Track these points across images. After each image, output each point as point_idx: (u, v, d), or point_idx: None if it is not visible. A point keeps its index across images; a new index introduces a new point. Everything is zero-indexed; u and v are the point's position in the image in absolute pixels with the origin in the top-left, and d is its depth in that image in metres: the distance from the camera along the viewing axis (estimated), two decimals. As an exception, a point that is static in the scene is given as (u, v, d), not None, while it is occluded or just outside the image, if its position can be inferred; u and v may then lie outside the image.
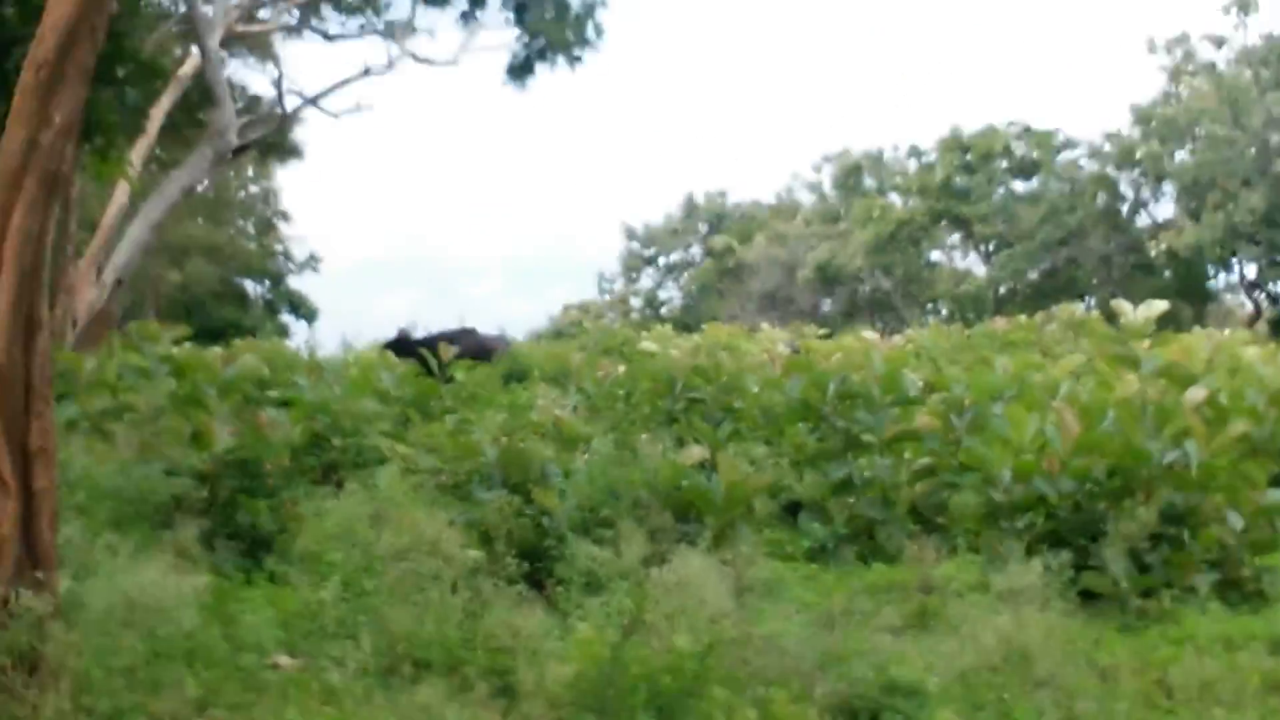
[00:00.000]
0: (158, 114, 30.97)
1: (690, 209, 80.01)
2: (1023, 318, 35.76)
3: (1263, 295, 55.14)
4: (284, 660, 11.87)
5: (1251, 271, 56.70)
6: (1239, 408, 18.58)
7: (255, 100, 37.71)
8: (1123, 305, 23.16)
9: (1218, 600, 14.22)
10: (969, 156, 66.69)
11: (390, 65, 35.02)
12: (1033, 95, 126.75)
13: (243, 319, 50.30)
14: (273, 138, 37.81)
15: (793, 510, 17.94)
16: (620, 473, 16.31)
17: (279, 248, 58.15)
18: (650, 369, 24.24)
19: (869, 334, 31.55)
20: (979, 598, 13.36)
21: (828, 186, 74.53)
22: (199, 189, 32.75)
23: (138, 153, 30.44)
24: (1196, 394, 17.64)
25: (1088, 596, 14.16)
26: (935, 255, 69.07)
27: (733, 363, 24.93)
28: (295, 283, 58.48)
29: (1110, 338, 24.79)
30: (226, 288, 53.32)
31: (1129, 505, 14.92)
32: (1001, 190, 66.55)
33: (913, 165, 70.14)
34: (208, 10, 30.11)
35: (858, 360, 22.58)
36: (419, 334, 28.65)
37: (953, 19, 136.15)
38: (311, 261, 60.14)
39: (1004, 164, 66.84)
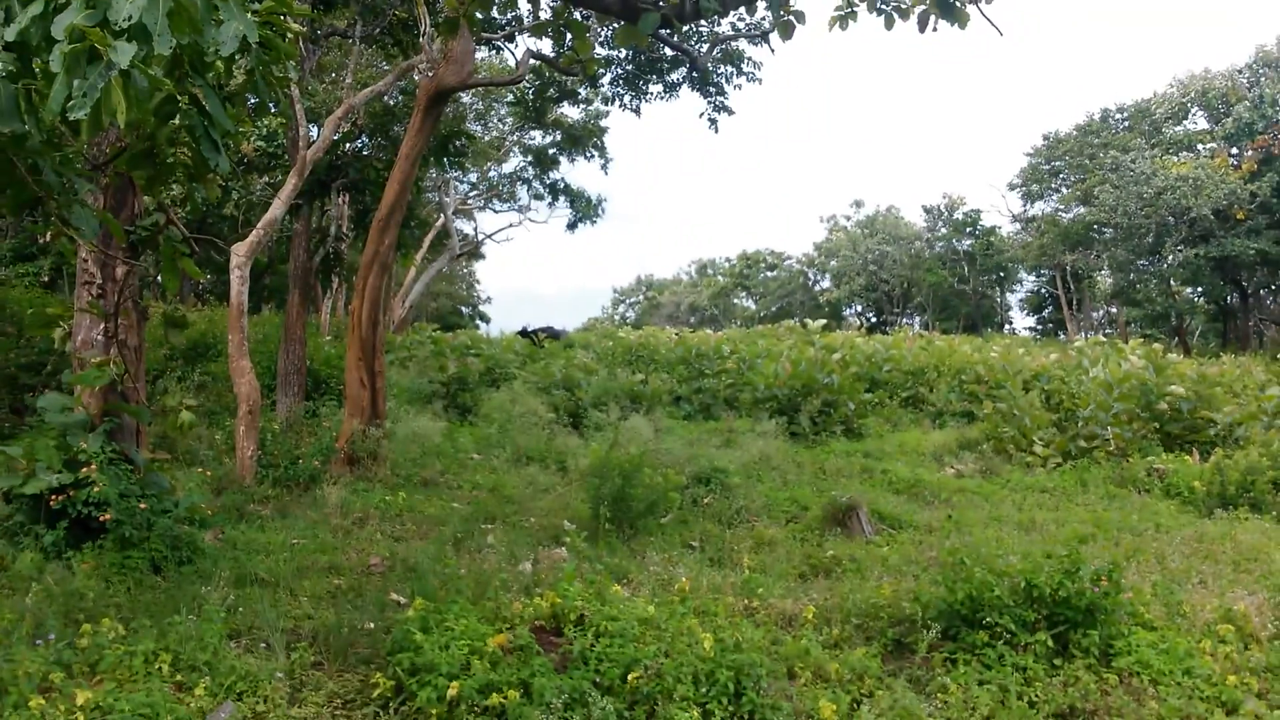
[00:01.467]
0: (426, 240, 37.63)
1: (638, 280, 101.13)
2: (763, 327, 42.78)
3: (864, 317, 68.01)
4: (475, 456, 15.65)
5: (859, 308, 72.38)
6: (854, 360, 22.74)
7: (465, 235, 44.74)
8: (808, 322, 28.34)
9: (844, 437, 18.36)
10: (749, 262, 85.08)
11: (520, 222, 44.66)
12: (779, 231, 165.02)
13: (461, 322, 58.70)
14: (473, 250, 48.33)
15: (677, 399, 21.73)
16: (609, 384, 20.12)
17: (475, 293, 69.26)
18: (622, 344, 28.19)
19: (709, 331, 36.84)
20: (751, 435, 17.21)
21: (693, 272, 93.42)
22: (443, 270, 41.43)
23: (419, 254, 37.23)
24: (835, 355, 21.95)
25: (794, 435, 18.11)
26: (735, 301, 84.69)
27: (654, 341, 28.83)
28: (482, 307, 69.55)
29: (802, 334, 28.86)
30: (454, 309, 63.56)
31: (809, 399, 18.84)
32: (761, 275, 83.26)
33: (727, 264, 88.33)
34: (448, 200, 36.89)
35: (705, 341, 27.34)
36: (530, 328, 32.66)
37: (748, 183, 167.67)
38: (488, 299, 73.93)
39: (762, 264, 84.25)
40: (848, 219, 77.37)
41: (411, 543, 10.20)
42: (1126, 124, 51.15)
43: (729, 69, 17.43)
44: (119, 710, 4.92)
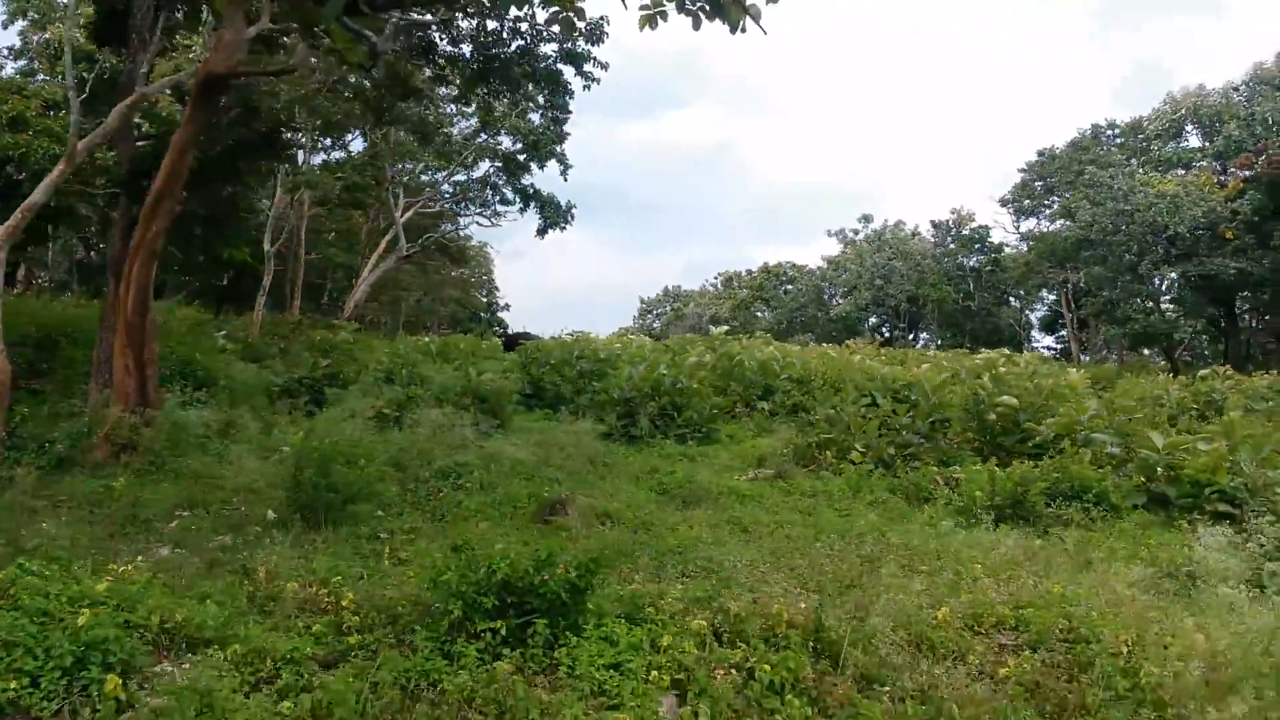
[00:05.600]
0: (384, 244, 39.01)
1: (664, 292, 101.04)
2: (683, 336, 43.24)
3: (878, 333, 67.26)
4: (285, 449, 14.30)
5: (873, 322, 71.57)
6: (748, 367, 22.32)
7: (418, 232, 43.91)
8: (712, 328, 28.26)
9: (691, 442, 17.40)
10: (770, 275, 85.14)
11: (493, 224, 45.26)
12: (797, 246, 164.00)
13: (476, 328, 58.09)
14: (455, 252, 53.19)
15: (527, 398, 21.18)
16: (451, 381, 19.44)
17: (495, 299, 71.90)
18: (548, 347, 26.18)
19: (593, 334, 34.76)
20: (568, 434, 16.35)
21: (720, 285, 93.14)
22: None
23: (376, 254, 38.48)
24: (697, 361, 21.93)
25: (632, 438, 17.33)
26: (758, 314, 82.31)
27: (550, 345, 27.19)
28: (503, 314, 72.60)
29: (707, 341, 27.56)
30: (471, 315, 65.43)
31: (652, 401, 18.18)
32: (780, 290, 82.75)
33: (747, 276, 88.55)
34: (398, 199, 38.06)
35: (589, 343, 26.66)
36: (510, 333, 34.10)
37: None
38: (506, 305, 76.11)
39: (782, 277, 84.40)
40: (855, 233, 76.93)
41: (94, 527, 10.07)
42: (1118, 140, 49.93)
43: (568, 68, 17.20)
44: None
